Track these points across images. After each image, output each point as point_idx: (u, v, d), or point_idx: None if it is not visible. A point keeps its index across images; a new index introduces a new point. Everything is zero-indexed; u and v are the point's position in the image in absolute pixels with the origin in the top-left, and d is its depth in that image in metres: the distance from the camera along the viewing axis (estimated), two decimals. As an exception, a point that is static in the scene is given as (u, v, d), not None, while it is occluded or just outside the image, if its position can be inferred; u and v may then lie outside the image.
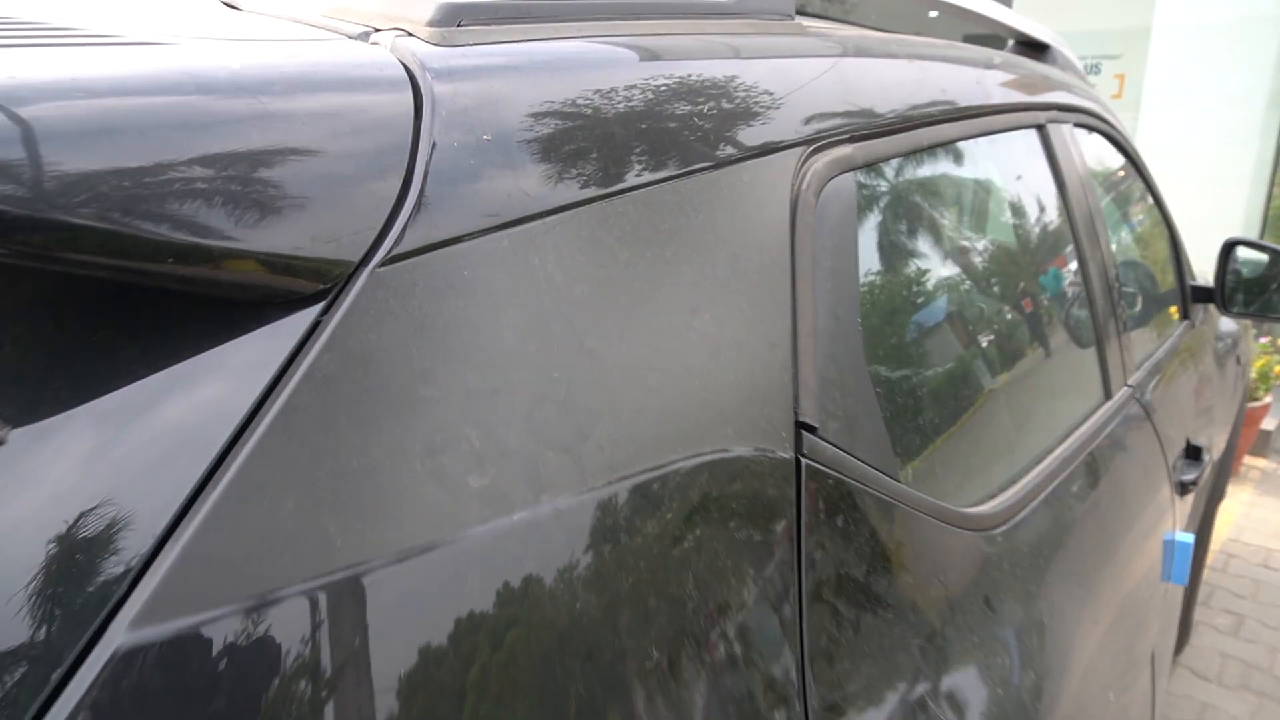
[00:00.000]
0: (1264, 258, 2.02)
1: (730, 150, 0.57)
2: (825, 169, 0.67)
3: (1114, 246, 1.44)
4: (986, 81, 1.04)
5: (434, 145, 0.43)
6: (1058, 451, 1.01)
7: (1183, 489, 1.46)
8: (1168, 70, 4.37)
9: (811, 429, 0.57)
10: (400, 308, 0.40)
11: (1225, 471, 2.57)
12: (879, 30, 0.96)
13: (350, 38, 0.49)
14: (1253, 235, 4.39)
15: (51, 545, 0.32)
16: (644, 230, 0.50)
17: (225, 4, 0.60)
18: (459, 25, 0.49)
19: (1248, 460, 4.17)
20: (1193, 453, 1.56)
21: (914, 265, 0.84)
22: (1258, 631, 2.93)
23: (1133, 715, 1.09)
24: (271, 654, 0.33)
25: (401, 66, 0.44)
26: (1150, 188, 1.85)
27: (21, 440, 0.34)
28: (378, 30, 0.49)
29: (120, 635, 0.31)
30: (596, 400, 0.45)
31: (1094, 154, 1.46)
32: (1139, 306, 1.67)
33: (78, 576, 0.32)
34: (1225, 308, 1.99)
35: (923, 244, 0.87)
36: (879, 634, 0.59)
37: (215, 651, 0.32)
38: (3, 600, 0.31)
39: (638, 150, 0.51)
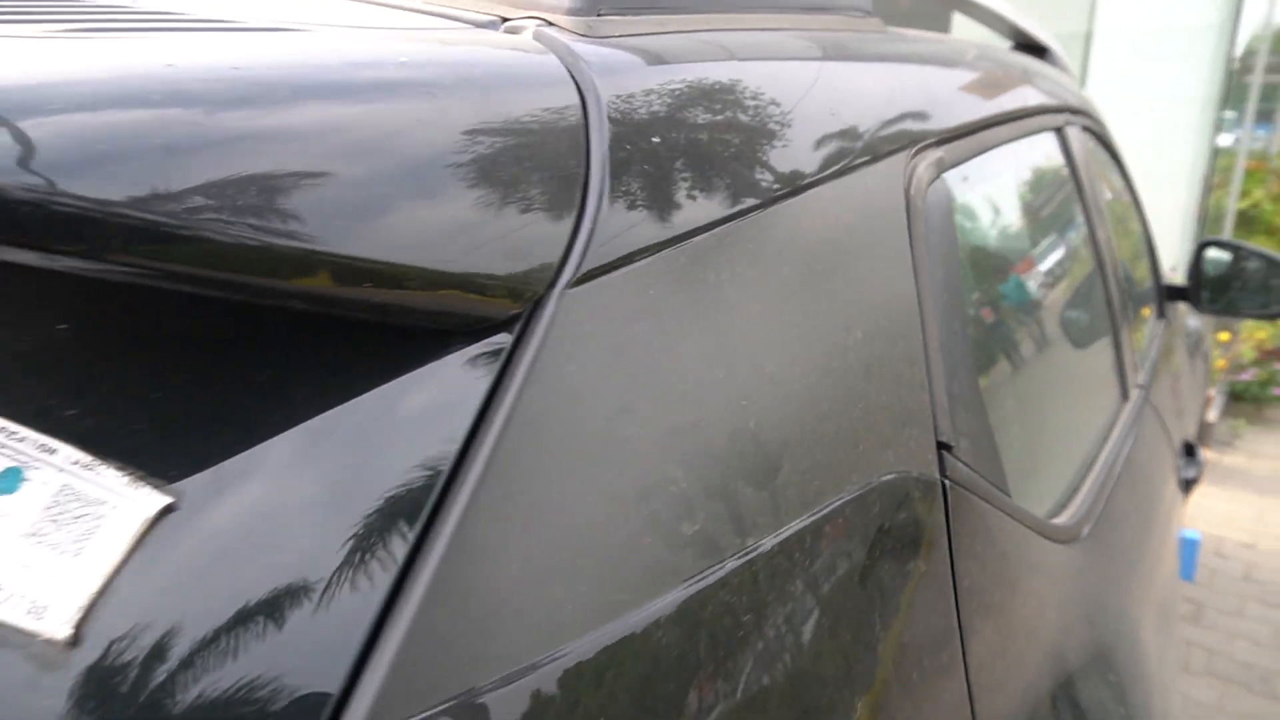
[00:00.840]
0: (1227, 256, 2.08)
1: (858, 153, 0.54)
2: (925, 172, 0.64)
3: (1116, 251, 1.45)
4: (1025, 85, 1.03)
5: (606, 149, 0.38)
6: (1103, 457, 1.00)
7: (1186, 486, 1.48)
8: (1108, 73, 4.50)
9: (949, 448, 0.54)
10: (594, 333, 0.35)
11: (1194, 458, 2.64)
12: (923, 31, 0.94)
13: (477, 26, 0.43)
14: (1190, 233, 4.55)
15: (230, 646, 0.27)
16: (797, 241, 0.46)
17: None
18: (599, 15, 0.44)
19: (1192, 451, 4.32)
20: (1189, 450, 1.59)
21: (997, 271, 0.82)
22: (1216, 619, 3.02)
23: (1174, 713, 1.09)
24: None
25: (558, 61, 0.39)
26: (1132, 190, 1.89)
27: (193, 506, 0.28)
28: (507, 20, 0.44)
29: None
30: (781, 430, 0.41)
31: (1096, 157, 1.47)
32: (1137, 310, 1.69)
33: (283, 679, 0.26)
34: (1201, 306, 2.04)
35: (1001, 250, 0.85)
36: (1018, 654, 0.56)
37: None
38: (215, 682, 0.25)
39: (784, 152, 0.47)
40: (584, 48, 0.41)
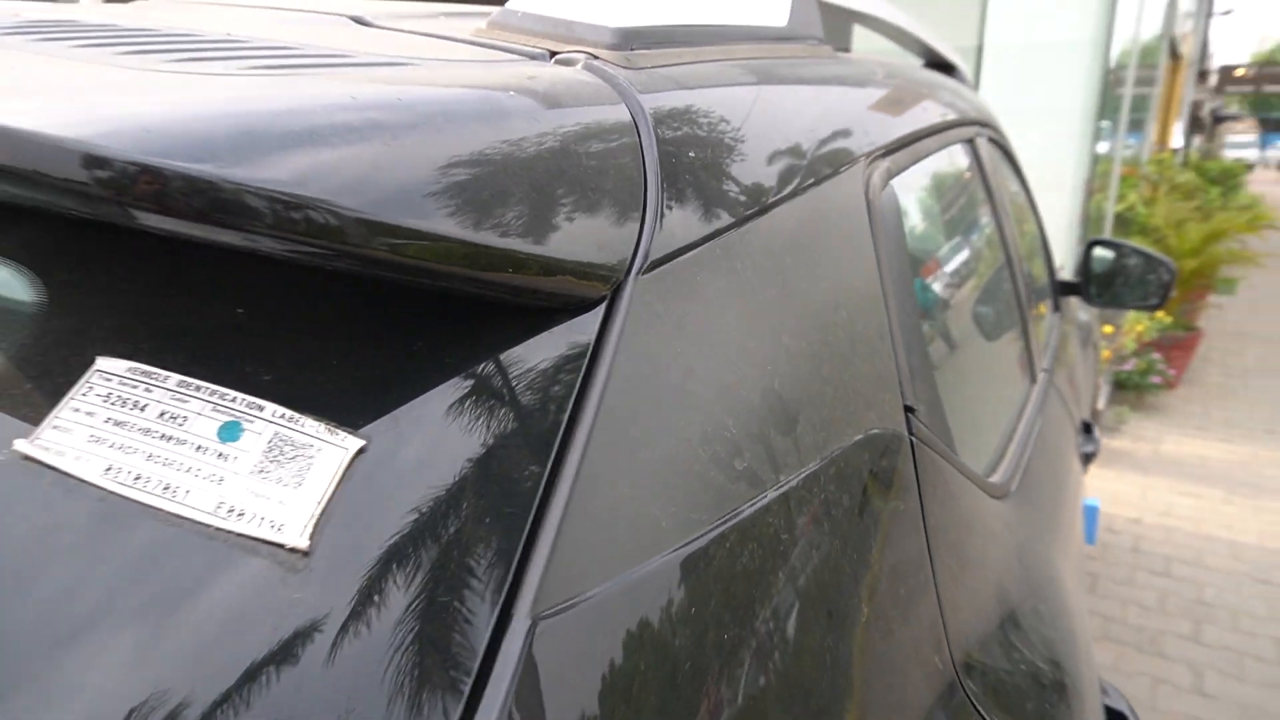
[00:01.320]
0: (1112, 254, 2.30)
1: (834, 160, 0.64)
2: (879, 179, 0.74)
3: (1021, 251, 1.61)
4: (944, 101, 1.15)
5: (657, 160, 0.46)
6: (1020, 430, 1.14)
7: (1085, 460, 1.65)
8: (998, 86, 4.80)
9: (913, 410, 0.64)
10: (663, 310, 0.43)
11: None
12: (865, 54, 1.05)
13: (531, 59, 0.51)
14: (1075, 234, 4.90)
15: (427, 547, 0.34)
16: (798, 236, 0.56)
17: (356, 20, 0.60)
18: (632, 50, 0.53)
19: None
20: (1087, 429, 1.76)
21: (932, 266, 0.93)
22: (1110, 588, 3.28)
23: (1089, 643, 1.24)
24: (642, 628, 0.36)
25: (611, 88, 0.48)
26: (1029, 195, 2.07)
27: (379, 446, 0.35)
28: (555, 54, 0.52)
29: (523, 618, 0.33)
30: (796, 389, 0.50)
31: (1000, 165, 1.62)
32: (1037, 302, 1.86)
33: (469, 570, 0.34)
34: (1090, 299, 2.24)
35: (933, 247, 0.96)
36: (973, 580, 0.67)
37: (601, 629, 0.35)
38: (409, 592, 0.32)
39: (786, 163, 0.56)
40: (628, 75, 0.49)
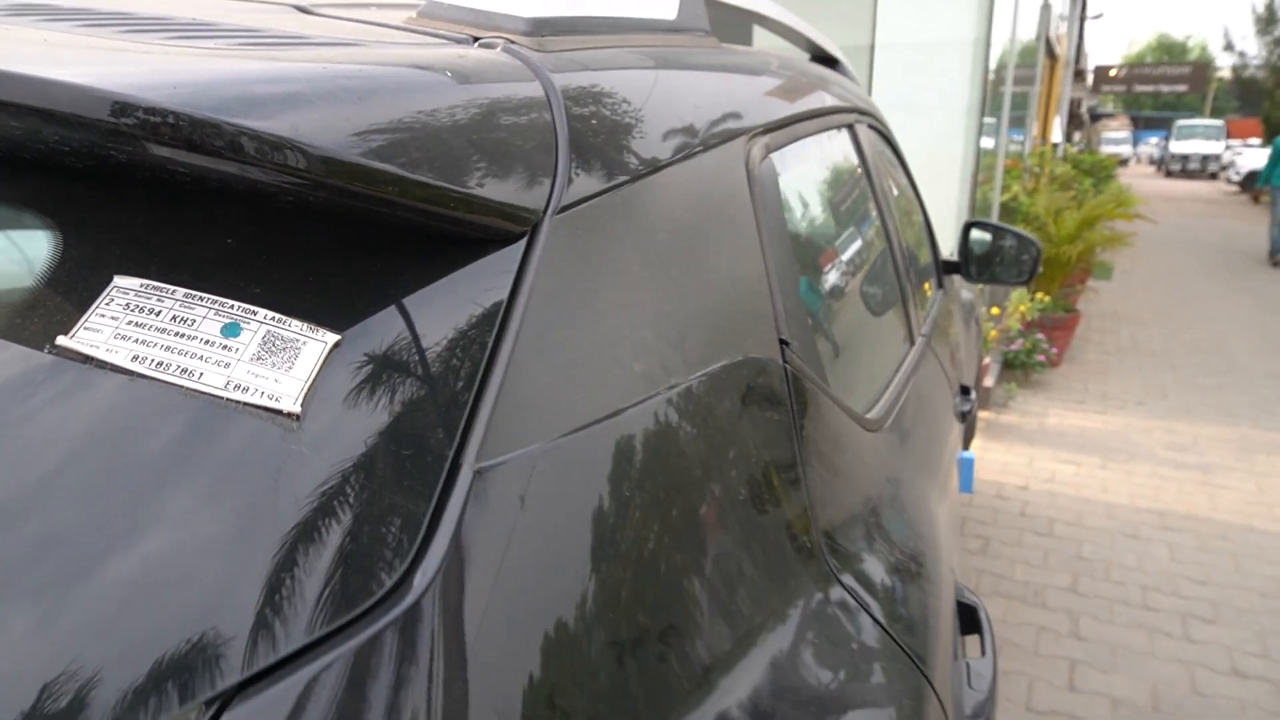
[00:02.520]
0: (989, 236, 2.51)
1: (718, 133, 0.75)
2: (758, 152, 0.86)
3: (900, 226, 1.77)
4: (824, 90, 1.29)
5: (566, 126, 0.57)
6: (896, 381, 1.28)
7: (962, 417, 1.82)
8: (889, 83, 5.06)
9: (787, 344, 0.77)
10: (572, 243, 0.54)
11: (973, 415, 3.11)
12: (749, 47, 1.17)
13: (458, 42, 0.61)
14: (963, 220, 5.20)
15: (391, 406, 0.44)
16: (686, 193, 0.67)
17: (298, 8, 0.68)
18: (543, 36, 0.63)
19: (979, 414, 4.96)
20: (965, 391, 1.94)
21: (811, 230, 1.06)
22: (1000, 549, 3.54)
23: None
24: (561, 482, 0.46)
25: (525, 67, 0.58)
26: (911, 181, 2.24)
27: (352, 340, 0.45)
28: (478, 39, 0.62)
29: (468, 468, 0.43)
30: (683, 314, 0.61)
31: (880, 149, 1.78)
32: (918, 275, 2.04)
33: (425, 431, 0.43)
34: (971, 277, 2.44)
35: (812, 211, 1.09)
36: (838, 490, 0.80)
37: (530, 480, 0.45)
38: (377, 447, 0.42)
39: (677, 130, 0.68)
40: (539, 57, 0.60)
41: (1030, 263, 2.37)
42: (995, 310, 5.00)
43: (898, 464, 1.04)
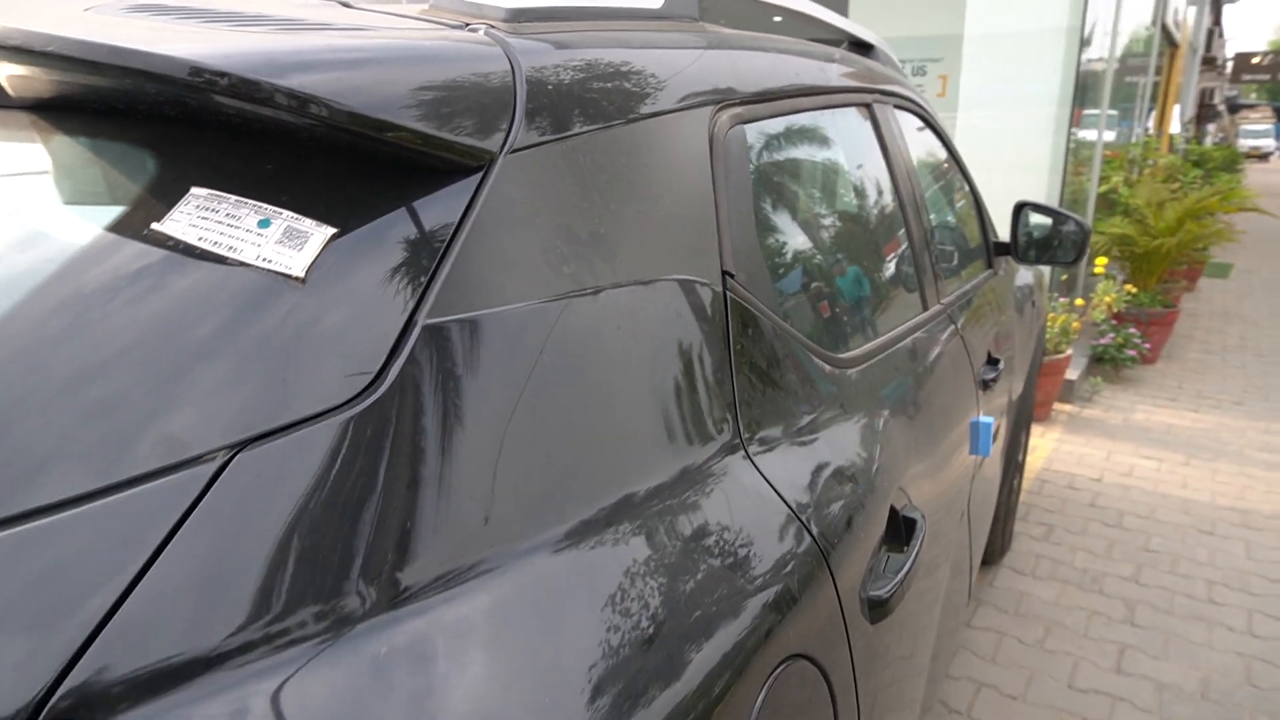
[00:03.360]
0: (1048, 220, 2.55)
1: (678, 102, 0.92)
2: (728, 120, 1.02)
3: (927, 198, 1.87)
4: (827, 69, 1.43)
5: (525, 89, 0.75)
6: (890, 334, 1.41)
7: (985, 385, 1.91)
8: (979, 73, 5.03)
9: (731, 275, 0.93)
10: (519, 177, 0.72)
11: (1029, 398, 3.13)
12: (750, 32, 1.33)
13: (452, 27, 0.80)
14: (1052, 215, 5.12)
15: (370, 276, 0.63)
16: (635, 147, 0.84)
17: (342, 3, 0.89)
18: (520, 21, 0.81)
19: (1056, 406, 4.89)
20: (992, 361, 2.03)
21: (782, 184, 1.21)
22: (1063, 536, 3.54)
23: (953, 551, 1.51)
24: (498, 346, 0.65)
25: (497, 45, 0.76)
26: (955, 159, 2.33)
27: (345, 233, 0.64)
28: (468, 24, 0.80)
29: (423, 319, 0.62)
30: (625, 238, 0.78)
31: (909, 129, 1.89)
32: (952, 251, 2.13)
33: (391, 294, 0.62)
34: (1019, 258, 2.49)
35: (787, 172, 1.24)
36: (774, 398, 0.95)
37: (471, 340, 0.64)
38: (354, 303, 0.61)
39: (632, 97, 0.85)
40: (512, 40, 0.78)
41: (1078, 244, 2.41)
42: (1080, 301, 4.91)
43: (861, 399, 1.18)
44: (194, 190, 0.64)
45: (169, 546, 0.50)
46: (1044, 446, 4.41)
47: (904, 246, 1.64)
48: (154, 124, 0.69)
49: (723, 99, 1.02)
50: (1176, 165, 6.56)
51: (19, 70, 0.67)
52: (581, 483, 0.68)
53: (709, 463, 0.81)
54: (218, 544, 0.51)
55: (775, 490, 0.86)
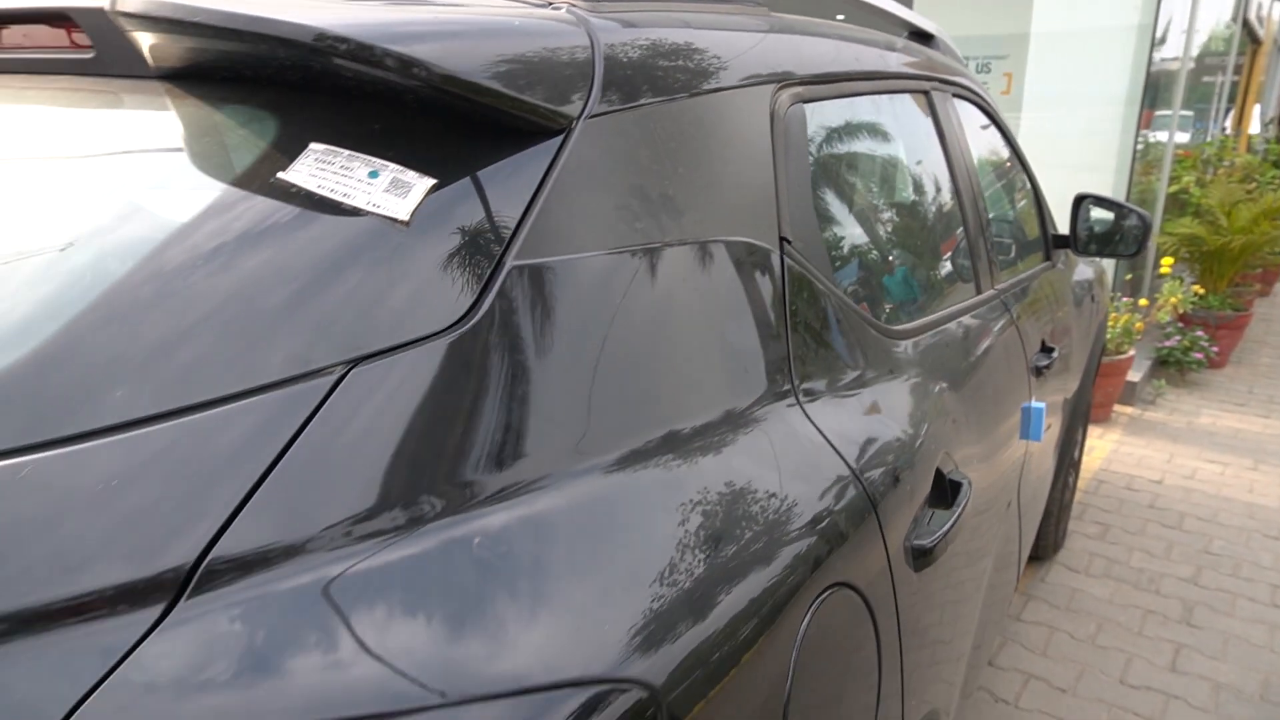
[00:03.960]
0: (1109, 215, 2.54)
1: (742, 80, 0.98)
2: (788, 99, 1.08)
3: (984, 187, 1.90)
4: (887, 56, 1.48)
5: (603, 61, 0.82)
6: (942, 312, 1.46)
7: (1038, 372, 1.94)
8: (1044, 71, 4.97)
9: (788, 240, 0.99)
10: (596, 140, 0.79)
11: (1086, 394, 3.10)
12: (813, 18, 1.38)
13: (538, 5, 0.88)
14: (1119, 214, 5.03)
15: (465, 219, 0.71)
16: (700, 118, 0.91)
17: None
18: (599, 1, 0.89)
19: (1117, 408, 4.81)
20: (1046, 349, 2.05)
21: (838, 163, 1.27)
22: (1120, 536, 3.50)
23: (1000, 535, 1.55)
24: (578, 289, 0.72)
25: (579, 23, 0.84)
26: (1015, 151, 2.34)
27: (444, 184, 0.72)
28: (552, 3, 0.88)
29: (511, 260, 0.70)
30: (691, 201, 0.85)
31: (968, 119, 1.92)
32: (1009, 241, 2.15)
33: (482, 235, 0.70)
34: (1079, 250, 2.50)
35: (844, 151, 1.30)
36: (826, 357, 1.01)
37: (553, 282, 0.71)
38: (453, 243, 0.69)
39: (699, 73, 0.92)
40: (592, 18, 0.85)
41: (1139, 237, 2.40)
42: (1144, 302, 4.82)
43: (911, 368, 1.23)
44: (312, 145, 0.73)
45: (297, 440, 0.58)
46: (1102, 448, 4.35)
47: (959, 231, 1.67)
48: (276, 89, 0.78)
49: (784, 79, 1.08)
50: (1254, 165, 6.36)
51: (163, 42, 0.77)
52: (644, 415, 0.75)
53: (764, 407, 0.87)
54: (335, 441, 0.59)
55: (825, 437, 0.92)
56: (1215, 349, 5.20)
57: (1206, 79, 7.56)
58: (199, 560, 0.53)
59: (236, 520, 0.55)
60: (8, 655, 0.48)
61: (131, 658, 0.49)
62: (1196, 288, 5.09)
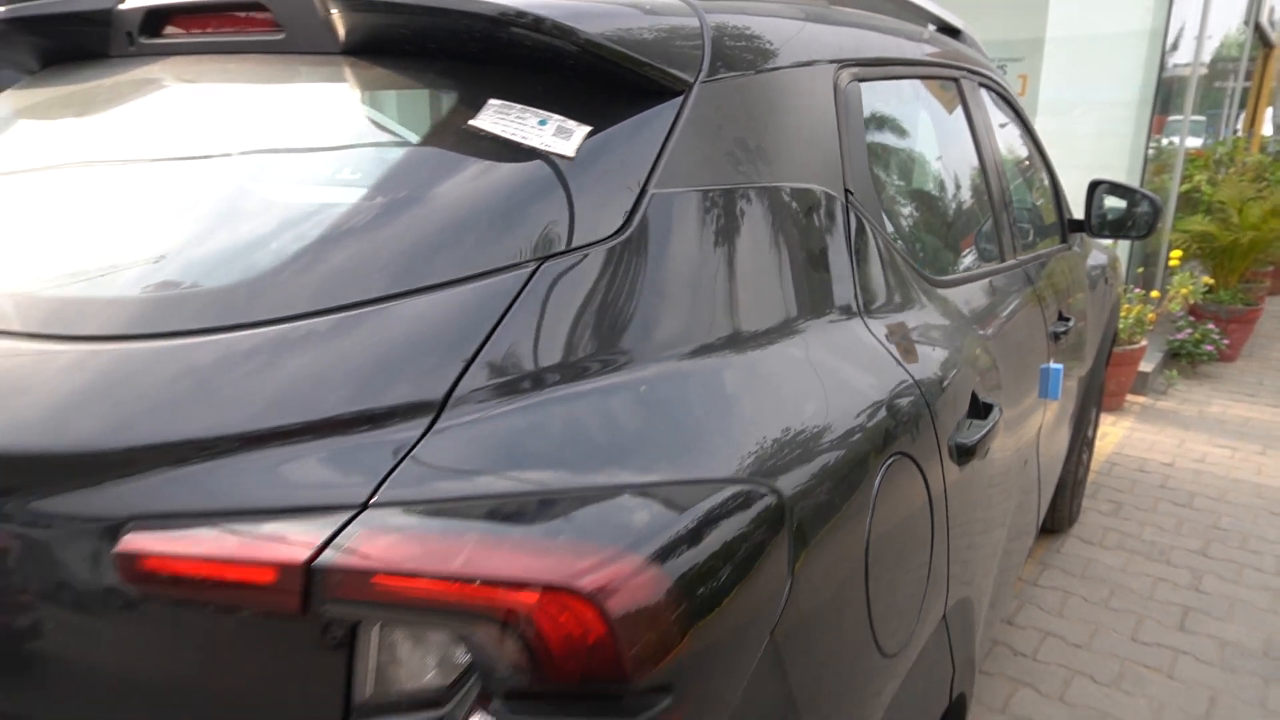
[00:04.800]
0: (1122, 203, 2.73)
1: (813, 59, 1.19)
2: (847, 77, 1.28)
3: (1007, 173, 2.10)
4: (924, 46, 1.68)
5: (711, 40, 1.02)
6: (974, 271, 1.65)
7: (1055, 338, 2.13)
8: (1059, 74, 5.16)
9: (851, 192, 1.19)
10: (708, 99, 0.99)
11: (1099, 373, 3.28)
12: (868, 12, 1.59)
13: (662, -3, 1.08)
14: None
15: (614, 153, 0.91)
16: (784, 86, 1.11)
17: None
18: (706, -7, 1.09)
19: (1130, 397, 4.98)
20: (1063, 318, 2.24)
21: (887, 133, 1.47)
22: (1132, 513, 3.67)
23: (1023, 479, 1.74)
24: (701, 218, 0.92)
25: (694, 10, 1.04)
26: (1032, 136, 2.53)
27: (596, 130, 0.92)
28: (672, -4, 1.08)
29: (652, 188, 0.90)
30: (777, 151, 1.05)
31: (991, 106, 2.12)
32: (1028, 221, 2.34)
33: (631, 161, 0.90)
34: (1094, 233, 2.68)
35: (891, 124, 1.50)
36: (881, 289, 1.21)
37: (682, 212, 0.91)
38: (603, 165, 0.89)
39: (781, 52, 1.12)
40: (700, 5, 1.06)
41: (1150, 220, 2.59)
42: (1155, 294, 4.99)
43: (950, 311, 1.42)
44: (491, 101, 0.93)
45: (510, 310, 0.78)
46: (1115, 434, 4.52)
47: (986, 205, 1.87)
48: (450, 59, 0.98)
49: (844, 60, 1.28)
50: (1265, 165, 6.52)
51: (360, 20, 0.97)
52: (752, 307, 0.96)
53: (838, 320, 1.07)
54: (534, 311, 0.80)
55: (887, 349, 1.11)
56: (1226, 342, 5.36)
57: (1219, 84, 7.72)
58: (450, 389, 0.73)
59: (474, 362, 0.75)
60: (337, 446, 0.68)
61: (414, 451, 0.70)
62: (1206, 279, 5.25)
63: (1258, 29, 8.34)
